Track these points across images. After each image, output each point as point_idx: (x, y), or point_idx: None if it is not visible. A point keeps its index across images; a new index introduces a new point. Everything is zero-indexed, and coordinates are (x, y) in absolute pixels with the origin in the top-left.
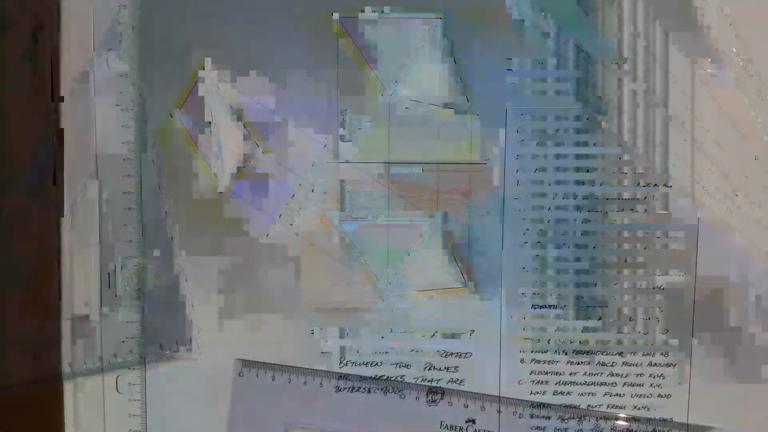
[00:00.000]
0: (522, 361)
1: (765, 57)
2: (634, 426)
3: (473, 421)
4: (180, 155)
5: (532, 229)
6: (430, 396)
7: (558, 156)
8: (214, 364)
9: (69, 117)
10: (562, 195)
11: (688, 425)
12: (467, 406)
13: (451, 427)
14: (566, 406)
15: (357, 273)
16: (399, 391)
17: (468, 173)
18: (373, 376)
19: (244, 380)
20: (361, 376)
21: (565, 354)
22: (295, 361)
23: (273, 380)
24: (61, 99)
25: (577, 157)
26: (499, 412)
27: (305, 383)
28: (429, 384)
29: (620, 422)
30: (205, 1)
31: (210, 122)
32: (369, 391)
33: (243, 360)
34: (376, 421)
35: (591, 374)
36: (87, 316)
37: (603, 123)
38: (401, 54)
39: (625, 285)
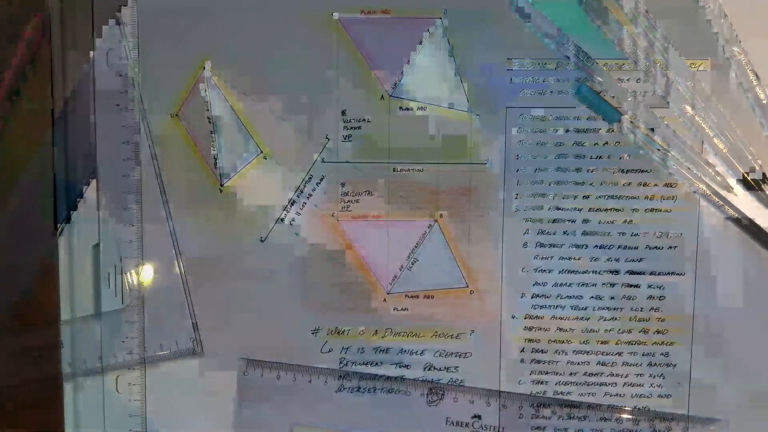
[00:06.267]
0: (522, 361)
1: (765, 56)
2: (635, 426)
3: (479, 417)
4: (180, 155)
5: (532, 229)
6: (431, 396)
7: (558, 156)
8: (215, 363)
9: (69, 117)
10: (562, 195)
11: (688, 417)
12: (473, 402)
13: (457, 423)
14: (567, 406)
15: (357, 273)
16: (405, 389)
17: (468, 173)
18: (380, 375)
19: (249, 379)
20: (366, 375)
21: (565, 354)
22: (295, 360)
23: (278, 379)
24: (62, 100)
25: (577, 156)
26: (505, 407)
27: (310, 381)
28: (431, 383)
29: (620, 422)
30: (205, 2)
31: (210, 122)
32: (374, 390)
33: (248, 359)
34: (381, 420)
35: (591, 374)
36: (87, 317)
37: (615, 128)
38: (401, 54)
39: (626, 285)
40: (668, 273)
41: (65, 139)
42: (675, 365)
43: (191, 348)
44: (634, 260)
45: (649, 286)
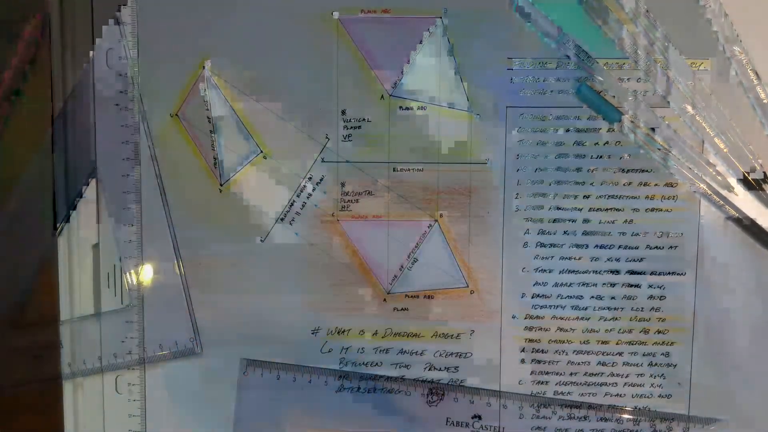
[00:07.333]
0: (522, 361)
1: (765, 56)
2: (635, 426)
3: (479, 417)
4: (180, 155)
5: (532, 229)
6: (431, 396)
7: (558, 156)
8: (215, 363)
9: (69, 117)
10: (563, 195)
11: (688, 417)
12: (473, 402)
13: (458, 423)
14: (567, 406)
15: (357, 273)
16: (405, 389)
17: (468, 173)
18: (380, 375)
19: (249, 379)
20: (366, 375)
21: (565, 354)
22: (295, 361)
23: (278, 379)
24: (62, 100)
25: (577, 157)
26: (505, 407)
27: (310, 382)
28: (431, 383)
29: (621, 422)
30: (205, 2)
31: (210, 122)
32: (374, 390)
33: (248, 359)
34: (381, 420)
35: (591, 374)
36: (87, 316)
37: (616, 128)
38: (401, 54)
39: (626, 285)
40: (669, 273)
41: (65, 139)
42: (675, 365)
43: (191, 348)
44: (634, 260)
45: (650, 286)
